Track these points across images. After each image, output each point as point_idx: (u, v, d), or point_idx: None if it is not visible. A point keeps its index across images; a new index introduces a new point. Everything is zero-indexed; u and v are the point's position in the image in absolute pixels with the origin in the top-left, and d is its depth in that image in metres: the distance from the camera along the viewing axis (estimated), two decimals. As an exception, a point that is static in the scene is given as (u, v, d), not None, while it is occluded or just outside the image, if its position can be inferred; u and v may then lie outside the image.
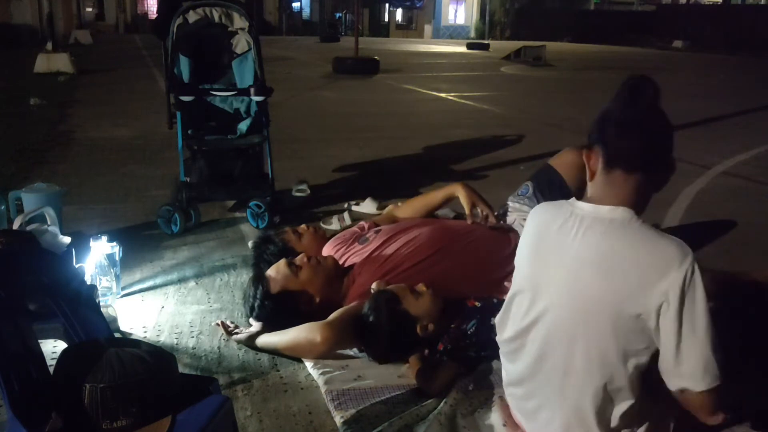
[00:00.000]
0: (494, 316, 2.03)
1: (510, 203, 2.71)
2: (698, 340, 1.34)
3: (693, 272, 1.34)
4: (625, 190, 1.45)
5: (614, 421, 1.47)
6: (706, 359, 1.35)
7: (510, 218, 2.67)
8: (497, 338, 1.69)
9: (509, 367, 1.67)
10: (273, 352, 2.17)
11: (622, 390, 1.44)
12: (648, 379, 1.44)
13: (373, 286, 2.19)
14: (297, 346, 2.12)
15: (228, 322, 2.34)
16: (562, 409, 1.52)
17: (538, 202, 2.52)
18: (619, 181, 1.45)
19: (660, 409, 1.51)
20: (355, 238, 2.57)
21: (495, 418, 1.81)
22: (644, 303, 1.36)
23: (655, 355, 1.41)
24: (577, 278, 1.44)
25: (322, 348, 2.07)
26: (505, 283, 2.26)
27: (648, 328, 1.38)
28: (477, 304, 2.13)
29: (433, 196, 2.85)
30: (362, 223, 2.76)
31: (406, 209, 2.87)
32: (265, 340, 2.19)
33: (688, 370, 1.36)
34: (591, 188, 1.51)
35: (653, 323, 1.36)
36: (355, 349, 2.15)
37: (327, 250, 2.58)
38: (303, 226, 2.75)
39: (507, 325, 1.63)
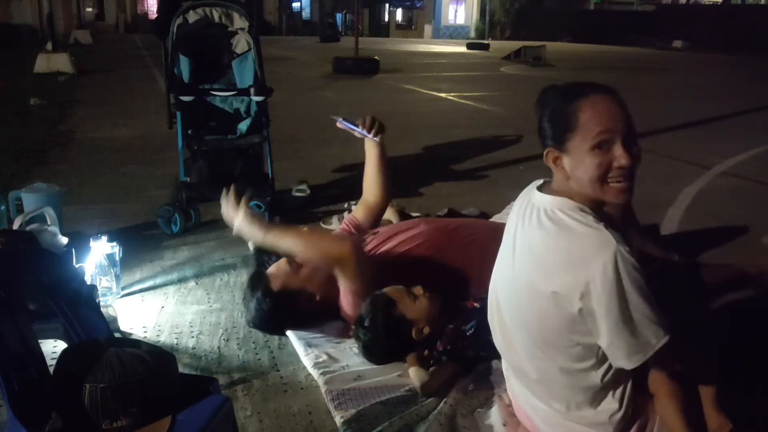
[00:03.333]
0: None
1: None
2: (619, 324, 1.35)
3: (615, 262, 1.33)
4: (557, 173, 1.49)
5: (570, 399, 1.54)
6: (628, 341, 1.36)
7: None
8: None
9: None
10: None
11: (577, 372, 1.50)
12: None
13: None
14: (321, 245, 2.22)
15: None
16: (522, 386, 1.65)
17: None
18: (551, 166, 1.50)
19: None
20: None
21: (495, 418, 1.81)
22: (565, 290, 1.38)
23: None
24: (514, 261, 1.53)
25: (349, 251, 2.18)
26: None
27: (571, 314, 1.40)
28: (476, 305, 2.13)
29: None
30: (345, 222, 2.71)
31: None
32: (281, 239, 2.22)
33: (615, 352, 1.39)
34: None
35: (575, 308, 1.38)
36: (354, 348, 2.16)
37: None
38: (304, 228, 2.73)
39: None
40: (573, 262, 1.37)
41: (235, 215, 2.24)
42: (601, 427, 1.54)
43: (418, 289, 2.12)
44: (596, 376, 1.49)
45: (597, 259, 1.33)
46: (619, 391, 1.52)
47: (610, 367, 1.47)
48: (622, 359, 1.39)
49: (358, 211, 2.72)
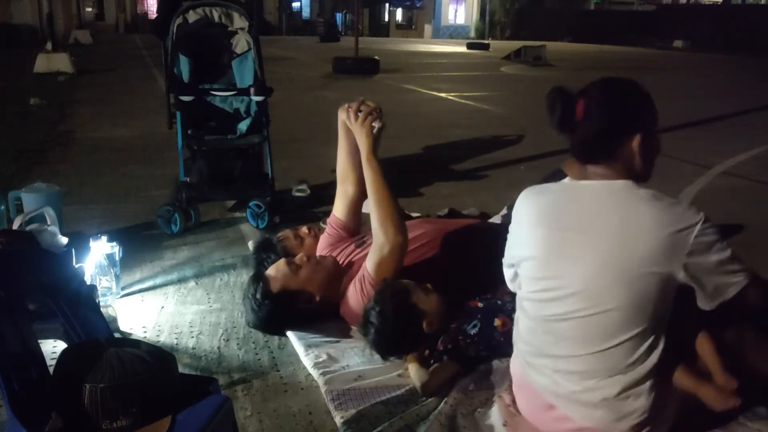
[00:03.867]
0: (497, 317, 2.05)
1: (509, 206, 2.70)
2: (720, 272, 1.53)
3: (705, 223, 1.51)
4: (603, 171, 1.62)
5: (622, 372, 1.58)
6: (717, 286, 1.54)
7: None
8: (513, 289, 1.82)
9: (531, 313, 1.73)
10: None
11: (634, 341, 1.56)
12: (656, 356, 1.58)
13: None
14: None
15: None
16: (580, 363, 1.63)
17: None
18: (593, 168, 1.64)
19: (664, 381, 1.61)
20: (350, 241, 2.55)
21: (495, 418, 1.81)
22: (671, 261, 1.50)
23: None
24: (602, 244, 1.55)
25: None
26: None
27: (674, 283, 1.54)
28: (480, 304, 2.13)
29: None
30: (328, 225, 2.64)
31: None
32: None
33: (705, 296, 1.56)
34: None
35: (682, 274, 1.52)
36: (355, 348, 2.16)
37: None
38: (304, 229, 2.73)
39: (528, 288, 1.73)
40: (675, 229, 1.50)
41: (356, 123, 2.30)
42: (640, 398, 1.59)
43: (428, 285, 2.12)
44: (650, 358, 1.58)
45: (694, 224, 1.50)
46: (653, 366, 1.60)
47: (659, 334, 1.58)
48: (709, 302, 1.56)
49: (338, 209, 2.59)
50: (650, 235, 1.51)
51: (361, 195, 2.52)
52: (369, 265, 2.20)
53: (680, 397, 1.64)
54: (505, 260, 1.83)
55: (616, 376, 1.59)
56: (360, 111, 2.35)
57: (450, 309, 2.11)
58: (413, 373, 1.99)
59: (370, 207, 2.23)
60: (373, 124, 2.31)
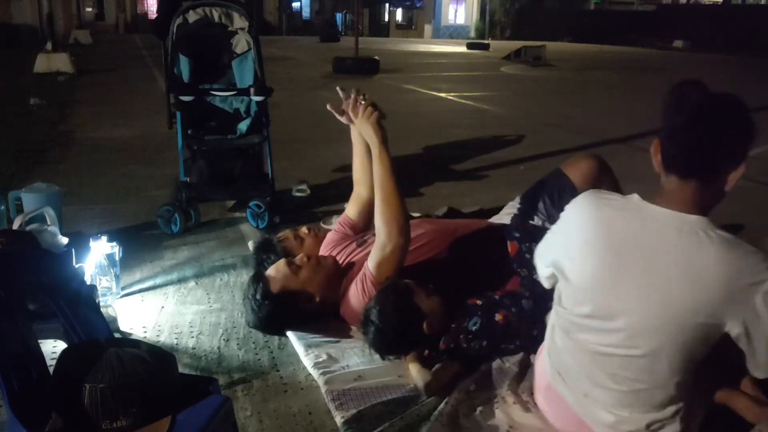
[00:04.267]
0: (498, 312, 2.04)
1: (516, 205, 2.71)
2: None
3: None
4: (684, 194, 1.45)
5: (656, 409, 1.54)
6: None
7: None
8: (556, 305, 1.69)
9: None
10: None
11: (671, 384, 1.51)
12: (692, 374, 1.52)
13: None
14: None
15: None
16: (611, 393, 1.57)
17: (545, 207, 2.53)
18: (676, 185, 1.46)
19: (696, 401, 1.58)
20: (351, 240, 2.56)
21: (498, 420, 1.81)
22: (729, 314, 1.39)
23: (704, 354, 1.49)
24: (660, 284, 1.44)
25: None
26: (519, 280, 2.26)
27: (721, 334, 1.43)
28: (479, 302, 2.14)
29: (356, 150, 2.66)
30: (338, 223, 2.68)
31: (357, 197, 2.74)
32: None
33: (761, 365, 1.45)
34: (663, 183, 1.50)
35: (738, 330, 1.41)
36: (355, 348, 2.16)
37: (323, 254, 2.57)
38: (304, 229, 2.72)
39: (571, 308, 1.61)
40: (745, 283, 1.37)
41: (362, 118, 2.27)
42: (674, 423, 1.57)
43: (431, 286, 2.12)
44: (685, 382, 1.52)
45: (763, 281, 1.36)
46: (688, 389, 1.56)
47: (690, 373, 1.51)
48: (763, 370, 1.46)
49: (351, 210, 2.66)
50: (715, 284, 1.38)
51: (374, 198, 2.52)
52: (370, 264, 2.20)
53: (707, 405, 1.62)
54: (542, 257, 1.71)
55: (649, 413, 1.55)
56: (359, 103, 2.32)
57: (451, 309, 2.11)
58: (415, 374, 1.99)
59: (375, 205, 2.22)
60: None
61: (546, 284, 1.73)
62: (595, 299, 1.53)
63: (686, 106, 1.43)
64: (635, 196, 1.53)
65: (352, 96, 2.35)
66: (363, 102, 2.32)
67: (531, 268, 2.24)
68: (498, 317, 2.08)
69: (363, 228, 2.61)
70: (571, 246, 1.58)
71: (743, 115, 1.46)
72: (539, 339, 2.05)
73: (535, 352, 1.99)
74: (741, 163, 1.45)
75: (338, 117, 2.44)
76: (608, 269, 1.50)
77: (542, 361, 1.81)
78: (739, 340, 1.42)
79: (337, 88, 2.39)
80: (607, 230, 1.52)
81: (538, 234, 2.39)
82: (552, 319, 1.72)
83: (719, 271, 1.38)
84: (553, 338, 1.71)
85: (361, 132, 2.34)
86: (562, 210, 2.26)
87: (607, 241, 1.51)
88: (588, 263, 1.53)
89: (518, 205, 2.69)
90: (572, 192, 2.52)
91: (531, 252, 2.27)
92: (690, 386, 1.53)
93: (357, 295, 2.22)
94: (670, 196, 1.47)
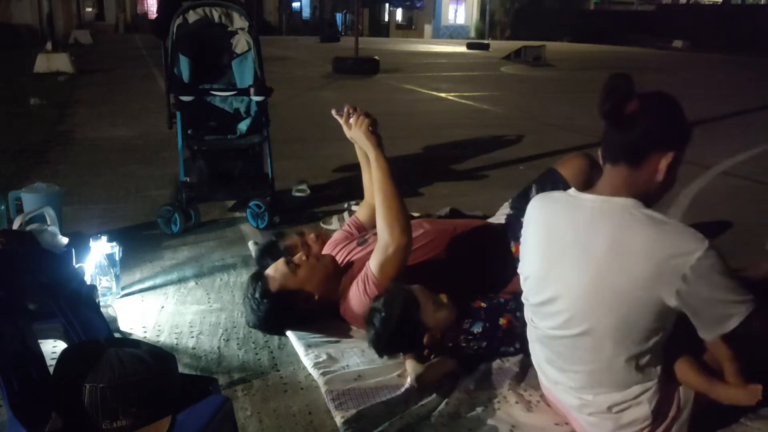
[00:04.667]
0: (502, 317, 2.07)
1: (513, 205, 2.71)
2: (719, 302, 1.47)
3: (708, 251, 1.43)
4: (614, 180, 1.57)
5: (615, 389, 1.60)
6: (720, 315, 1.47)
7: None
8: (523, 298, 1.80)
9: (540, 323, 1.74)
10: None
11: (619, 363, 1.56)
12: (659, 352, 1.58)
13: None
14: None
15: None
16: (580, 372, 1.64)
17: None
18: (608, 171, 1.59)
19: (670, 384, 1.63)
20: (353, 239, 2.56)
21: (500, 420, 1.81)
22: (660, 287, 1.46)
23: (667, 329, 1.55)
24: (591, 264, 1.53)
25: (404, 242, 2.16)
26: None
27: (666, 308, 1.49)
28: (483, 304, 2.12)
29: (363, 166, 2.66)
30: (347, 224, 2.71)
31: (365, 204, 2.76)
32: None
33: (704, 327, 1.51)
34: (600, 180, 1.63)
35: (675, 301, 1.46)
36: (354, 348, 2.16)
37: (325, 252, 2.58)
38: (312, 236, 2.70)
39: (528, 298, 1.76)
40: (669, 254, 1.44)
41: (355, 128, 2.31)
42: (639, 406, 1.60)
43: (443, 297, 2.08)
44: (649, 359, 1.57)
45: (695, 251, 1.43)
46: (654, 371, 1.60)
47: (657, 347, 1.57)
48: (707, 332, 1.51)
49: (361, 213, 2.71)
50: (640, 258, 1.46)
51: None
52: (373, 264, 2.20)
53: (694, 399, 1.64)
54: (519, 263, 1.84)
55: (609, 393, 1.60)
56: (351, 115, 2.36)
57: (457, 310, 2.09)
58: (408, 366, 2.00)
59: (376, 209, 2.23)
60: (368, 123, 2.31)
61: (523, 286, 1.82)
62: (540, 286, 1.67)
63: (612, 96, 1.54)
64: (572, 190, 1.68)
65: (345, 111, 2.37)
66: (354, 113, 2.35)
67: None
68: (502, 321, 2.08)
69: (369, 230, 2.62)
70: (527, 244, 1.75)
71: (668, 105, 1.59)
72: None
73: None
74: (670, 150, 1.53)
75: (346, 132, 2.45)
76: (548, 257, 1.65)
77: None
78: (682, 309, 1.49)
79: (332, 112, 2.41)
80: (550, 221, 1.67)
81: None
82: (525, 313, 1.83)
83: (644, 247, 1.46)
84: (529, 332, 1.82)
85: (356, 141, 2.36)
86: None
87: (551, 229, 1.65)
88: (537, 254, 1.69)
89: (515, 205, 2.69)
90: (565, 189, 2.53)
91: None
92: (653, 366, 1.58)
93: (358, 295, 2.22)
94: (603, 183, 1.60)
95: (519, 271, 1.82)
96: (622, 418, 1.60)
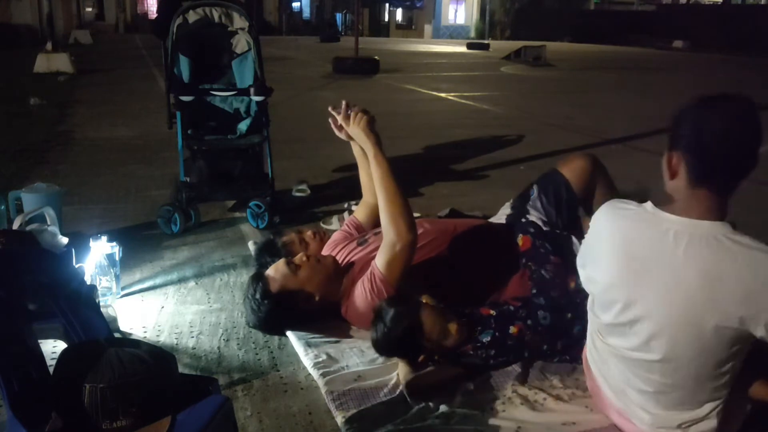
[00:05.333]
0: (513, 325, 2.04)
1: (513, 205, 2.71)
2: None
3: None
4: (702, 203, 1.49)
5: (688, 408, 1.60)
6: None
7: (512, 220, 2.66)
8: (594, 314, 1.74)
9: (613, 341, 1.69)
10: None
11: (699, 386, 1.56)
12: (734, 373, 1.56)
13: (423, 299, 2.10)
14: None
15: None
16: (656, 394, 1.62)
17: (542, 206, 2.54)
18: (705, 197, 1.49)
19: (740, 398, 1.63)
20: (353, 239, 2.56)
21: (507, 419, 1.81)
22: (750, 320, 1.42)
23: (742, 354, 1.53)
24: (681, 291, 1.47)
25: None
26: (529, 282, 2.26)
27: (751, 337, 1.46)
28: (492, 312, 2.10)
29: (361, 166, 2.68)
30: (346, 224, 2.71)
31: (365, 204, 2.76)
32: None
33: None
34: (673, 193, 1.53)
35: (762, 332, 1.43)
36: (354, 348, 2.16)
37: (325, 253, 2.58)
38: (309, 233, 2.71)
39: (599, 314, 1.69)
40: (760, 285, 1.41)
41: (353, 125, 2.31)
42: (708, 420, 1.61)
43: (453, 326, 2.00)
44: (725, 380, 1.56)
45: None
46: (726, 389, 1.59)
47: (734, 369, 1.55)
48: None
49: (360, 212, 2.71)
50: (732, 288, 1.42)
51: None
52: (379, 263, 2.20)
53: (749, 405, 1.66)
54: (581, 264, 1.77)
55: (681, 413, 1.59)
56: (349, 113, 2.36)
57: (465, 336, 2.04)
58: (400, 371, 1.98)
59: (379, 205, 2.22)
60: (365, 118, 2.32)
61: (585, 288, 1.77)
62: (617, 306, 1.59)
63: (714, 126, 1.47)
64: (649, 205, 1.58)
65: (342, 108, 2.37)
66: (351, 111, 2.35)
67: (541, 264, 2.24)
68: (513, 330, 2.05)
69: (369, 230, 2.62)
70: (597, 256, 1.66)
71: (759, 124, 1.49)
72: (548, 353, 2.05)
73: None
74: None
75: (337, 133, 2.47)
76: (628, 277, 1.56)
77: (586, 360, 1.87)
78: (766, 338, 1.45)
79: (329, 109, 2.42)
80: (626, 240, 1.58)
81: (549, 234, 2.39)
82: (590, 322, 1.79)
83: (735, 275, 1.41)
84: (593, 341, 1.78)
85: (355, 138, 2.37)
86: (558, 207, 2.35)
87: (627, 250, 1.57)
88: (610, 272, 1.60)
89: (516, 204, 2.69)
90: (568, 189, 2.54)
91: (545, 248, 2.26)
92: (727, 385, 1.57)
93: (364, 295, 2.21)
94: (685, 204, 1.51)
95: (581, 263, 1.75)
96: (691, 430, 1.60)
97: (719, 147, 1.46)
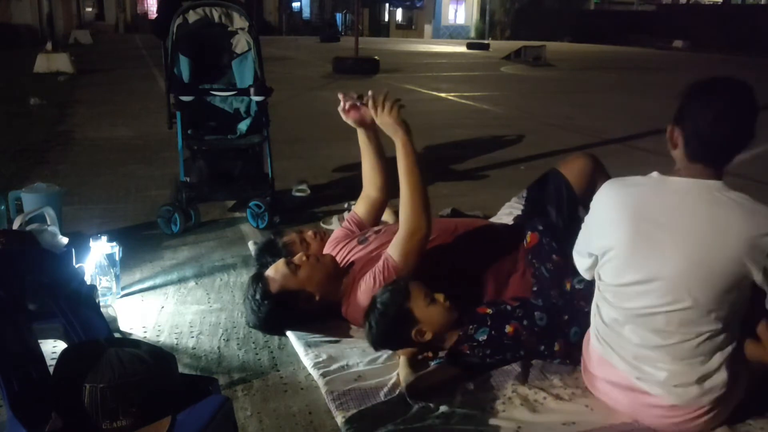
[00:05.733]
0: (509, 324, 2.05)
1: (514, 204, 2.71)
2: None
3: None
4: (708, 171, 1.68)
5: (704, 359, 1.69)
6: None
7: (512, 219, 2.67)
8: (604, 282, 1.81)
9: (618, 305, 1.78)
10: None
11: (715, 332, 1.67)
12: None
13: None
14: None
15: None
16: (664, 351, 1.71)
17: (548, 206, 2.56)
18: (701, 167, 1.68)
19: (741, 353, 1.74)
20: (354, 237, 2.56)
21: (507, 419, 1.81)
22: (751, 264, 1.59)
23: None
24: (691, 242, 1.63)
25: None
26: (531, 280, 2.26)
27: (751, 283, 1.63)
28: (489, 310, 2.10)
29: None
30: (346, 221, 2.70)
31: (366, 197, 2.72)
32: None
33: None
34: (676, 160, 1.73)
35: (759, 277, 1.61)
36: (354, 348, 2.16)
37: (326, 251, 2.58)
38: (310, 233, 2.70)
39: (615, 279, 1.77)
40: (762, 232, 1.59)
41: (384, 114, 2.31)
42: (719, 372, 1.70)
43: (439, 296, 2.07)
44: (732, 328, 1.70)
45: None
46: (732, 340, 1.72)
47: (738, 317, 1.71)
48: None
49: (359, 208, 2.68)
50: (737, 236, 1.59)
51: (383, 199, 2.63)
52: (395, 252, 2.21)
53: (750, 370, 1.75)
54: (580, 249, 1.88)
55: (699, 365, 1.68)
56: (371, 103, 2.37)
57: (456, 315, 2.07)
58: (401, 371, 1.99)
59: (403, 195, 2.24)
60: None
61: (587, 276, 1.90)
62: (634, 266, 1.70)
63: (712, 107, 1.64)
64: (655, 173, 1.74)
65: (370, 97, 2.38)
66: (387, 101, 2.36)
67: (543, 261, 2.25)
68: (509, 329, 2.04)
69: (370, 226, 2.61)
70: (606, 226, 1.76)
71: (755, 103, 1.66)
72: (544, 353, 2.05)
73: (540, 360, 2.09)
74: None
75: (344, 117, 2.46)
76: (642, 235, 1.68)
77: (591, 346, 1.89)
78: (763, 286, 1.63)
79: (339, 95, 2.42)
80: (635, 202, 1.71)
81: (557, 232, 2.39)
82: (595, 298, 1.86)
83: (739, 224, 1.59)
84: (600, 317, 1.84)
85: (383, 127, 2.35)
86: (559, 207, 2.48)
87: (638, 210, 1.70)
88: (623, 234, 1.71)
89: (521, 206, 2.70)
90: (568, 189, 2.54)
91: (550, 246, 2.27)
92: (731, 337, 1.69)
93: (372, 289, 2.19)
94: (686, 171, 1.69)
95: (584, 250, 1.84)
96: (705, 385, 1.69)
97: (712, 135, 1.64)
